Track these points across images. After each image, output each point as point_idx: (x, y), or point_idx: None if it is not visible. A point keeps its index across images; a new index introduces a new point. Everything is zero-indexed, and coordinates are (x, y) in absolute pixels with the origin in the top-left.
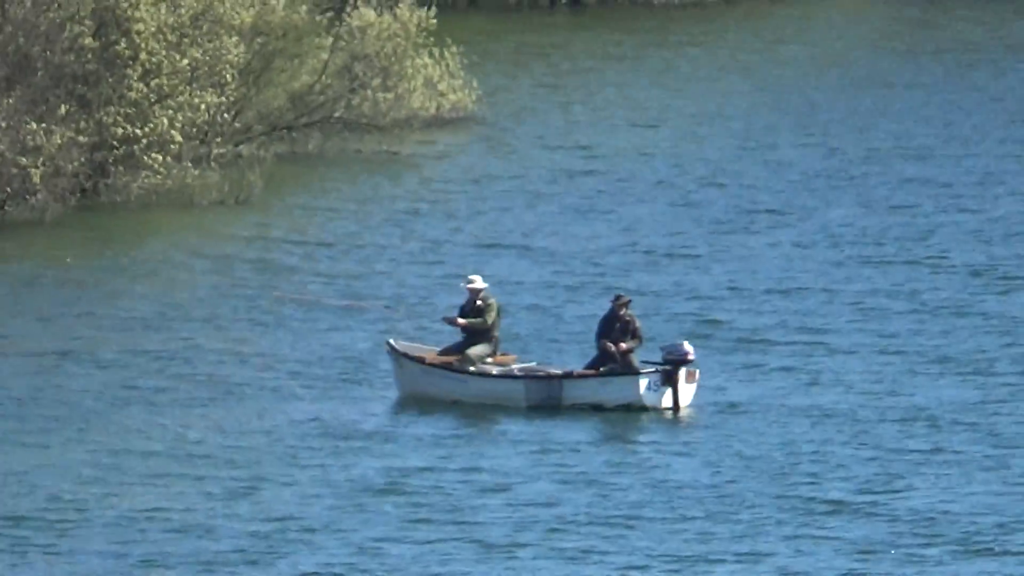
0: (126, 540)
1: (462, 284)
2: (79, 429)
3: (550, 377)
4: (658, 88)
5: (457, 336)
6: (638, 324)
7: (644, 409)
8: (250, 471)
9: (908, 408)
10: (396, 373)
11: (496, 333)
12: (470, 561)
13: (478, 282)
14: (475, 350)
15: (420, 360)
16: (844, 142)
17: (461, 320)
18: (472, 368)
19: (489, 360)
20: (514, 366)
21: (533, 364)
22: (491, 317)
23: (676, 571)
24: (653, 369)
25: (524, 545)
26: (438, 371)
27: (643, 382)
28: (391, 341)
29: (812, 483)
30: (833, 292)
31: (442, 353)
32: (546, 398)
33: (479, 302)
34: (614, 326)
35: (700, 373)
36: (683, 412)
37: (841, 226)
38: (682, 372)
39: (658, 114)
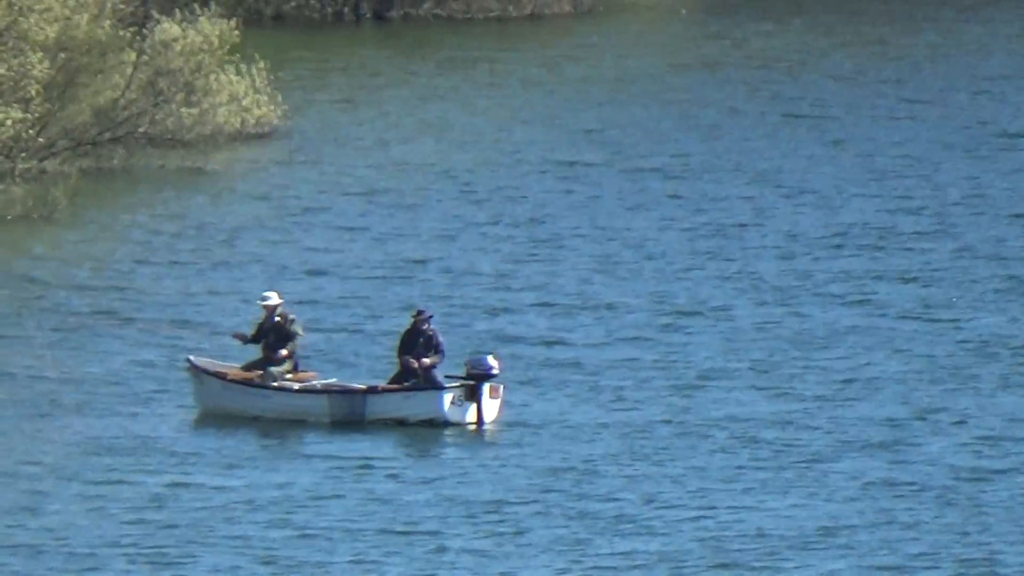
0: None
1: (258, 302)
2: None
3: (353, 392)
4: (460, 104)
5: (255, 354)
6: (440, 339)
7: (447, 424)
8: (35, 487)
9: (705, 423)
10: (196, 389)
11: (296, 350)
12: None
13: (274, 298)
14: (276, 367)
15: (221, 376)
16: (635, 157)
17: (244, 337)
18: (274, 384)
19: (289, 376)
20: (315, 382)
21: (334, 381)
22: (299, 329)
23: None
24: (457, 384)
25: (309, 561)
26: (240, 387)
27: (447, 397)
28: (191, 358)
29: (607, 499)
30: (629, 308)
31: (244, 369)
32: (349, 413)
33: (277, 319)
34: (416, 341)
35: (504, 388)
36: (486, 427)
37: (630, 242)
38: (486, 387)
39: (459, 130)
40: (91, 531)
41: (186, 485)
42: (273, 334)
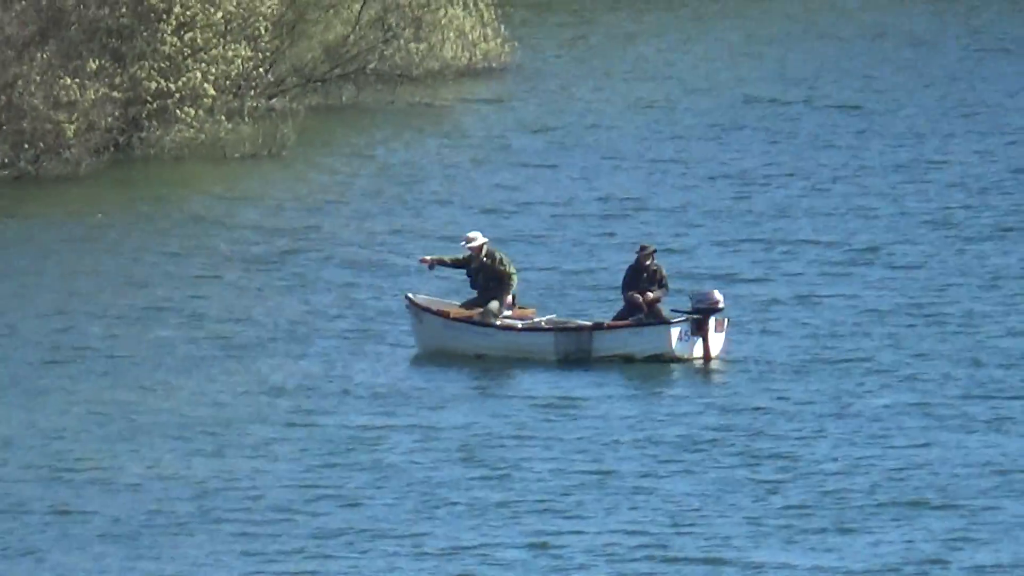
0: (137, 497)
1: (462, 243)
2: (91, 385)
3: (580, 329)
4: (691, 40)
5: (468, 293)
6: (664, 273)
7: (675, 359)
8: (260, 430)
9: (916, 358)
10: (415, 328)
11: (512, 284)
12: (478, 522)
13: (479, 239)
14: (495, 304)
15: (443, 315)
16: (834, 93)
17: (440, 261)
18: (497, 321)
19: (508, 313)
20: (536, 319)
21: (553, 316)
22: (512, 270)
23: (688, 525)
24: (683, 318)
25: (524, 500)
26: (462, 325)
27: (674, 332)
28: (409, 295)
29: (823, 437)
30: (838, 245)
31: (463, 308)
32: (575, 350)
33: (485, 259)
34: (641, 277)
35: (728, 322)
36: (713, 362)
37: (832, 179)
38: (711, 321)
39: (690, 67)
40: (294, 474)
41: (397, 427)
42: (482, 274)
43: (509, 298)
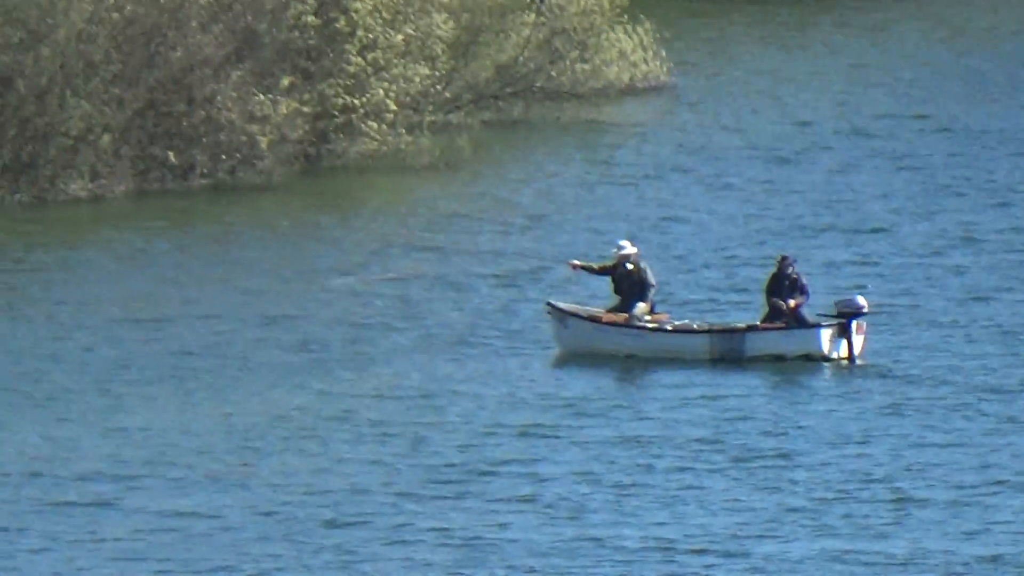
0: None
1: (613, 251)
2: (236, 387)
3: (733, 331)
4: (854, 63)
5: (603, 300)
6: (804, 280)
7: (824, 359)
8: (403, 429)
9: None
10: (558, 332)
11: (651, 293)
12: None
13: (628, 247)
14: (639, 309)
15: (595, 319)
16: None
17: (588, 267)
18: (649, 325)
19: (648, 319)
20: (677, 323)
21: (687, 322)
22: (653, 279)
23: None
24: (833, 322)
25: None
26: (613, 328)
27: (825, 333)
28: (552, 301)
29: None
30: (978, 265)
31: (608, 312)
32: (728, 351)
33: (630, 266)
34: (783, 284)
35: (866, 326)
36: (856, 362)
37: (986, 208)
38: (854, 324)
39: (850, 88)
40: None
41: (554, 429)
42: (627, 282)
43: (644, 306)
